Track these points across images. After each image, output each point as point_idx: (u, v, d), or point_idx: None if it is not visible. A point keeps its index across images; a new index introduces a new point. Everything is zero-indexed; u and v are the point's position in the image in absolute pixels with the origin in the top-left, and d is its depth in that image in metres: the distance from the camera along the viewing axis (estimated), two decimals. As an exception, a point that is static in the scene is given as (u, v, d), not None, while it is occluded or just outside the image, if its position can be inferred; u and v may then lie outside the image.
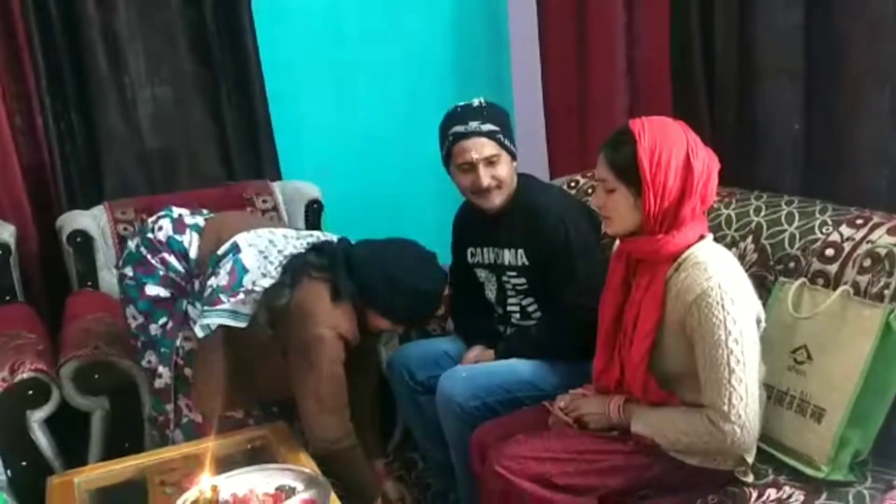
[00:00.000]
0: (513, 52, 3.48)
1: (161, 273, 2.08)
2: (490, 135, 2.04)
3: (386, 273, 2.00)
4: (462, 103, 2.11)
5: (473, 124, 2.04)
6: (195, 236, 2.10)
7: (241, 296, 1.98)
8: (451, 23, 3.43)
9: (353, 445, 1.99)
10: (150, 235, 2.10)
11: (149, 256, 2.08)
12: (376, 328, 2.10)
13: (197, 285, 2.07)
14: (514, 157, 2.12)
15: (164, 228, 2.10)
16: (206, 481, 1.56)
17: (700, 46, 2.51)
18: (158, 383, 2.10)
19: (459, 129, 2.06)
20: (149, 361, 2.14)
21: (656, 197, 1.61)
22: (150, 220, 2.15)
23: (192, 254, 2.08)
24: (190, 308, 2.07)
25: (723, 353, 1.55)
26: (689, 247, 1.65)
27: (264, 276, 2.01)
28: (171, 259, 2.08)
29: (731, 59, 2.43)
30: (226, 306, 1.98)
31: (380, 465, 2.27)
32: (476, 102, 2.09)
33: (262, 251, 2.05)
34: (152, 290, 2.08)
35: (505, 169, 2.08)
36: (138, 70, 2.98)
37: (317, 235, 2.19)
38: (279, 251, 2.06)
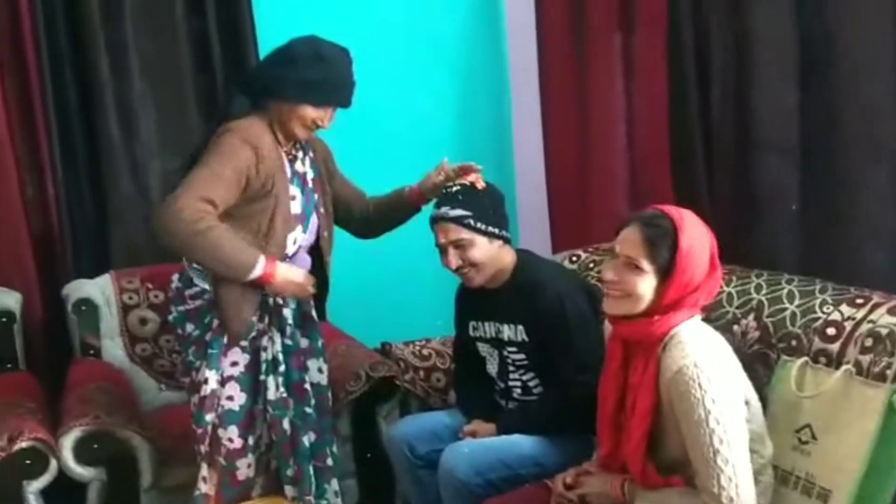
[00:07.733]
0: (515, 128, 3.53)
1: (201, 304, 2.10)
2: (457, 220, 2.09)
3: (282, 57, 2.04)
4: (448, 186, 2.17)
5: (444, 209, 2.11)
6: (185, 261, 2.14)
7: None
8: (455, 98, 3.48)
9: (212, 225, 1.93)
10: (171, 294, 2.21)
11: (182, 308, 2.14)
12: (303, 125, 2.06)
13: None
14: (496, 238, 2.12)
15: (173, 279, 2.19)
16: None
17: (698, 123, 2.56)
18: (204, 390, 2.06)
19: (434, 212, 2.16)
20: (195, 380, 2.11)
21: (680, 288, 1.62)
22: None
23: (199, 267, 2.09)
24: None
25: (705, 433, 1.53)
26: (675, 326, 1.65)
27: None
28: (194, 289, 2.11)
29: (728, 135, 2.47)
30: None
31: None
32: (455, 188, 2.15)
33: None
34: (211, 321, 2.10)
35: (477, 252, 2.10)
36: (150, 138, 2.99)
37: None
38: None
